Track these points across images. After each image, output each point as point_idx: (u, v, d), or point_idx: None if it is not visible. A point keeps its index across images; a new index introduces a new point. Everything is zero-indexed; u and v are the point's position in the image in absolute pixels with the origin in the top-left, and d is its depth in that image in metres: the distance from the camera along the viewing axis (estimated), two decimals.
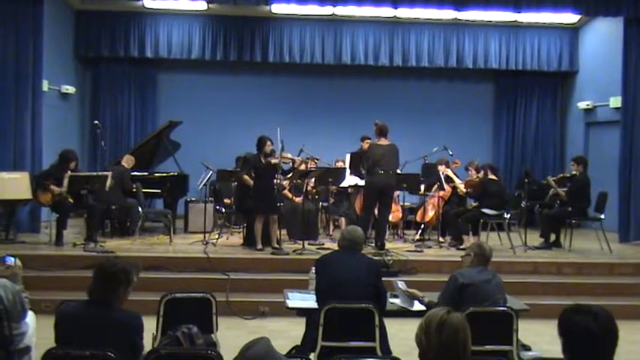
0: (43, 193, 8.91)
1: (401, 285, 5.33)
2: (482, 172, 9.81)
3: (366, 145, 9.71)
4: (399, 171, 9.59)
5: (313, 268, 5.17)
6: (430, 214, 10.29)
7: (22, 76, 9.78)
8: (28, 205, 9.67)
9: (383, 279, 5.00)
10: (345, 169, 10.21)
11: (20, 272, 4.60)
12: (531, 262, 8.85)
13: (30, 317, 4.62)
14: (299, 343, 4.96)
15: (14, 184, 9.11)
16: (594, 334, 2.66)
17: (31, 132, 9.84)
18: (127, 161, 10.08)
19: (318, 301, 4.86)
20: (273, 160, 8.86)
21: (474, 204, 10.00)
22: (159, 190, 10.58)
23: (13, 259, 4.60)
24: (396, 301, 5.29)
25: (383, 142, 9.09)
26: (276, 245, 8.93)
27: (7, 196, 9.05)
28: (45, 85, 10.52)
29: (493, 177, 9.60)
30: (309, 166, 10.30)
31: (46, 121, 10.21)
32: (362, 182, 9.55)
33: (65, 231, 9.07)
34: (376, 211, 9.22)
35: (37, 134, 9.92)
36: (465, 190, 10.06)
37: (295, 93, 13.13)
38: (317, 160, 10.61)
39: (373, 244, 9.00)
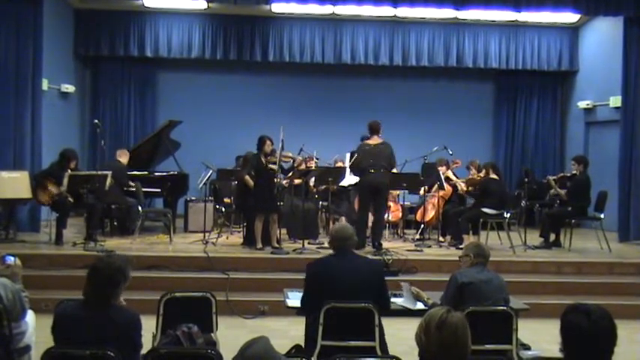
0: (43, 192, 8.91)
1: (407, 286, 5.32)
2: (484, 171, 9.81)
3: None
4: (395, 170, 9.56)
5: None
6: (430, 213, 10.29)
7: (22, 74, 9.77)
8: (27, 205, 9.66)
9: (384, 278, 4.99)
10: (344, 168, 10.19)
11: (20, 271, 4.59)
12: (531, 261, 8.85)
13: (30, 316, 4.62)
14: (299, 342, 4.95)
15: (14, 184, 9.11)
16: (586, 332, 2.66)
17: (30, 131, 9.83)
18: (122, 156, 10.08)
19: (308, 308, 4.79)
20: (271, 166, 8.83)
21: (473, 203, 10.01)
22: (159, 190, 10.57)
23: (12, 258, 4.59)
24: (398, 300, 5.29)
25: (373, 140, 9.05)
26: (276, 245, 8.93)
27: (7, 195, 9.05)
28: (45, 84, 10.51)
29: (494, 176, 9.60)
30: (308, 165, 10.28)
31: (46, 120, 10.21)
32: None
33: (65, 230, 9.07)
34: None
35: (37, 133, 9.92)
36: (465, 189, 10.05)
37: (295, 92, 13.11)
38: (317, 159, 10.60)
39: (371, 245, 8.97)
